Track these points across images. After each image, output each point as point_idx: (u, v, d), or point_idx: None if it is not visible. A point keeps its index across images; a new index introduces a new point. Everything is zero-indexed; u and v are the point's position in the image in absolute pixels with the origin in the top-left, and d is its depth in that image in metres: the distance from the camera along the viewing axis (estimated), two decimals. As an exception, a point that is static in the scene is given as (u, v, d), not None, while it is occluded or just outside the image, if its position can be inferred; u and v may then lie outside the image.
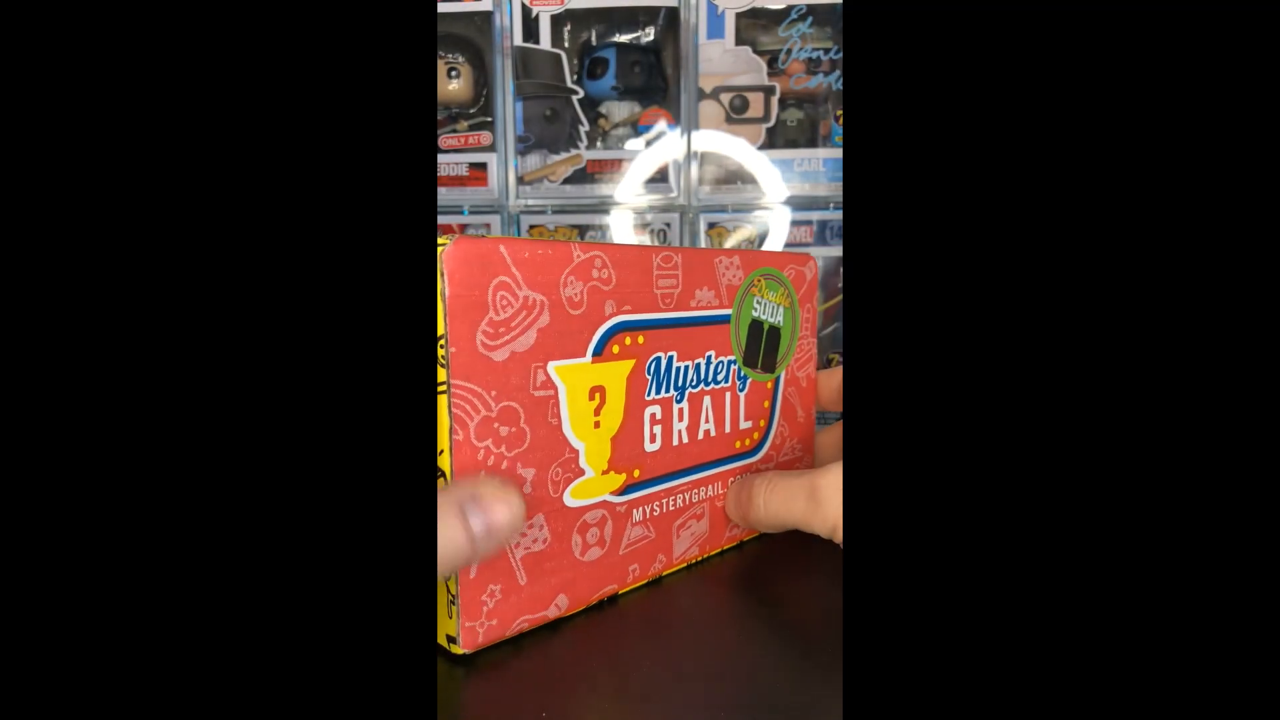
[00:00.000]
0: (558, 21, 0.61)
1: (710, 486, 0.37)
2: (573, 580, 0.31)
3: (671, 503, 0.35)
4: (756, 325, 0.39)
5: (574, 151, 0.62)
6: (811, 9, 0.60)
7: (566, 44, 0.62)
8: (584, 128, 0.62)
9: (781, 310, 0.40)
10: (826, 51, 0.61)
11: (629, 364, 0.32)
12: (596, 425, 0.31)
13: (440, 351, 0.26)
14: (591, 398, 0.31)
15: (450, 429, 0.26)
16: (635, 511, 0.33)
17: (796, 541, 0.38)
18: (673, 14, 0.61)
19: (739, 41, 0.61)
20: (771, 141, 0.62)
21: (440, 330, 0.26)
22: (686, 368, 0.35)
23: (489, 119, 0.62)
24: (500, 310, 0.27)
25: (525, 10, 0.60)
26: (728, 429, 0.38)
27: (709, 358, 0.36)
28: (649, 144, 0.62)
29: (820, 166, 0.63)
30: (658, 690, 0.27)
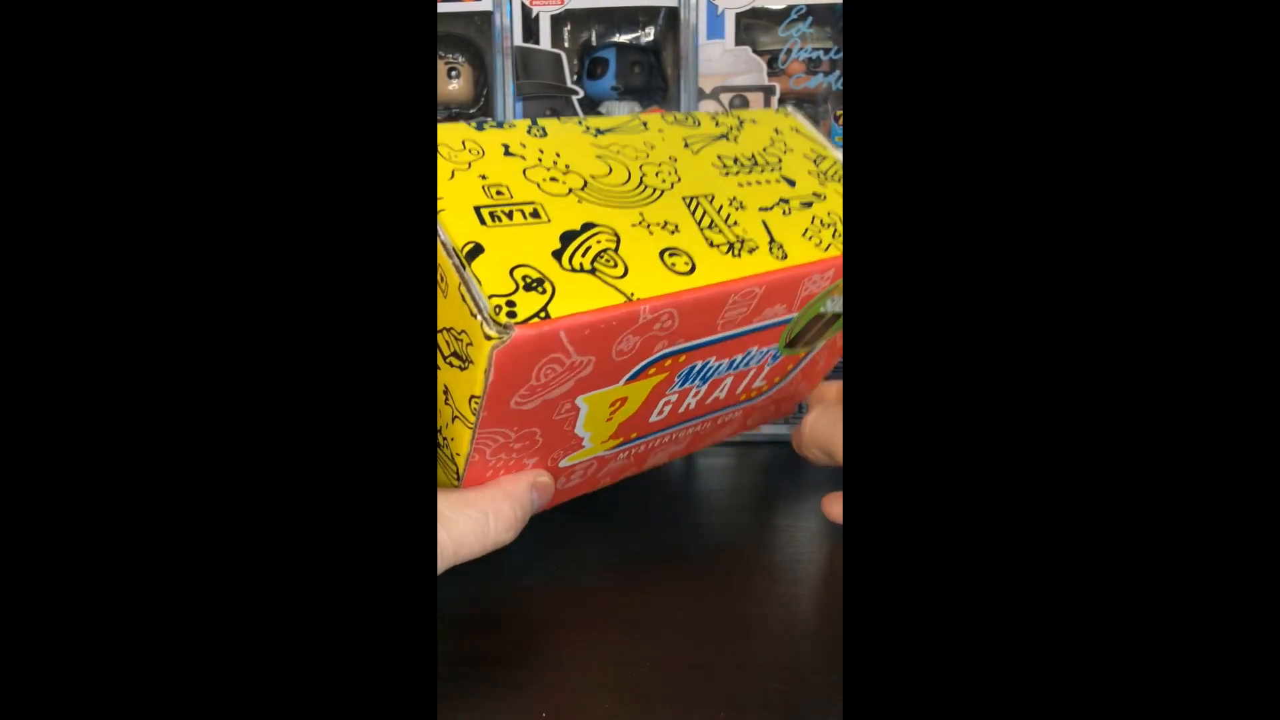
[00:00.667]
0: (558, 21, 0.61)
1: (699, 426, 0.37)
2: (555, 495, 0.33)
3: (656, 442, 0.36)
4: (819, 317, 0.37)
5: (574, 152, 0.62)
6: (811, 9, 0.59)
7: (566, 44, 0.62)
8: (584, 128, 0.62)
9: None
10: (826, 51, 0.61)
11: (660, 377, 0.31)
12: (609, 421, 0.32)
13: (474, 403, 0.26)
14: (611, 405, 0.31)
15: (469, 452, 0.28)
16: (621, 454, 0.35)
17: (796, 533, 0.38)
18: (673, 14, 0.61)
19: (739, 42, 0.61)
20: (771, 141, 0.62)
21: (478, 390, 0.25)
22: (722, 365, 0.34)
23: (489, 119, 0.62)
24: (541, 378, 0.26)
25: (525, 10, 0.60)
26: (740, 393, 0.37)
27: (749, 352, 0.35)
28: (649, 144, 0.62)
29: (820, 166, 0.62)
30: (656, 690, 0.27)
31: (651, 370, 0.30)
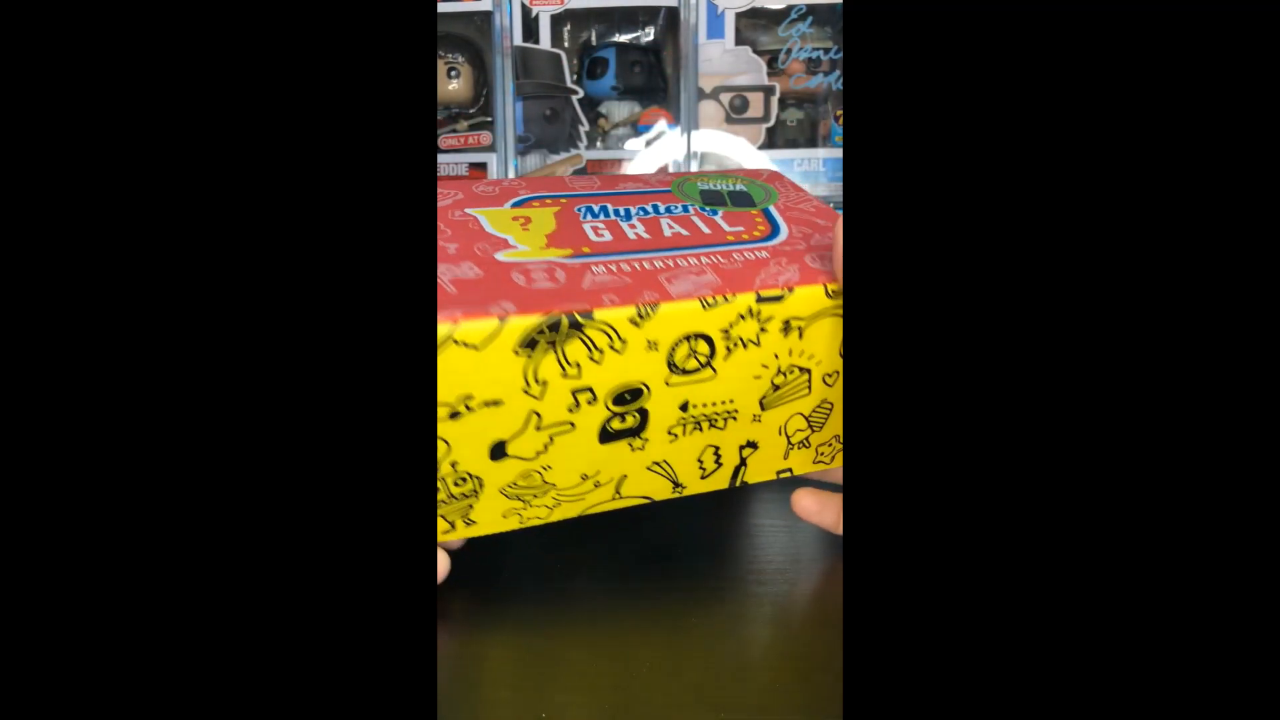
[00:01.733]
0: (557, 21, 0.61)
1: (709, 257, 0.33)
2: (522, 298, 0.29)
3: (649, 264, 0.32)
4: (712, 193, 0.37)
5: (574, 152, 0.62)
6: (811, 9, 0.59)
7: (566, 44, 0.62)
8: (584, 128, 0.62)
9: (740, 181, 0.39)
10: (826, 51, 0.61)
11: (554, 208, 0.35)
12: (525, 228, 0.33)
13: None
14: (515, 220, 0.33)
15: None
16: (595, 266, 0.31)
17: (795, 531, 0.38)
18: (673, 14, 0.61)
19: (739, 41, 0.61)
20: (771, 141, 0.62)
21: None
22: (629, 209, 0.36)
23: (489, 119, 0.62)
24: None
25: (525, 10, 0.60)
26: (707, 231, 0.34)
27: (654, 205, 0.36)
28: (649, 144, 0.62)
29: (820, 166, 0.63)
30: (656, 690, 0.27)
31: (534, 203, 0.35)
